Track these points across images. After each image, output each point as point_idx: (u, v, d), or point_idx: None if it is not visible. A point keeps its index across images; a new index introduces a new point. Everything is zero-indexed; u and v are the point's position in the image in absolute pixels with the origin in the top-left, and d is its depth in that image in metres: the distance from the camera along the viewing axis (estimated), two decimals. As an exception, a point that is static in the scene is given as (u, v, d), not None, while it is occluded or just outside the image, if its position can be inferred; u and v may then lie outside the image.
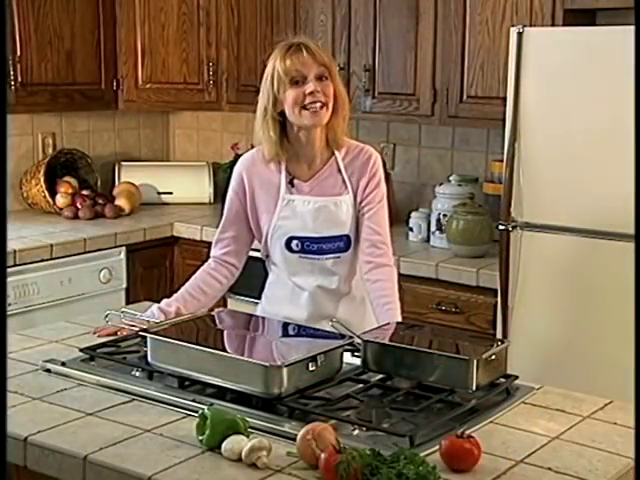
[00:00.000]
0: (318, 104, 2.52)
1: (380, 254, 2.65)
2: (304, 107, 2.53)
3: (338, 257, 2.66)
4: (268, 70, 2.57)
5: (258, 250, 2.77)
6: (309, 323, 2.59)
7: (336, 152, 2.66)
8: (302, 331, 2.44)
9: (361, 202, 2.65)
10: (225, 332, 2.39)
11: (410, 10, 3.90)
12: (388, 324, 2.44)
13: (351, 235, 2.66)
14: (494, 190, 3.86)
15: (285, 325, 2.49)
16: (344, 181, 2.65)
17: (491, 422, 2.07)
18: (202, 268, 2.75)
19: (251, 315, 2.57)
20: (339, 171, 2.65)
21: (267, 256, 2.75)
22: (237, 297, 4.05)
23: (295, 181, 2.65)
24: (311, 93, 2.51)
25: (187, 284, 2.72)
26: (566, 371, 3.20)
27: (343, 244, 2.66)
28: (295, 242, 2.65)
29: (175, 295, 2.69)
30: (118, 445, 1.92)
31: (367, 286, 2.65)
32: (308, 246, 2.64)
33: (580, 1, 3.48)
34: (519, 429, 2.04)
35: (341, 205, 2.64)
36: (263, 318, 2.59)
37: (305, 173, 2.66)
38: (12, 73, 4.03)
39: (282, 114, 2.58)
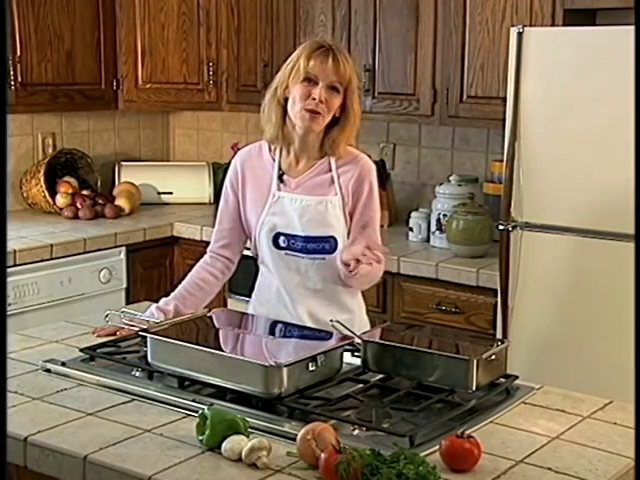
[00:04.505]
0: (315, 113, 2.52)
1: None
2: (303, 107, 2.53)
3: (323, 258, 2.63)
4: (292, 57, 2.58)
5: (255, 249, 2.77)
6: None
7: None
8: (301, 331, 2.44)
9: (353, 214, 2.64)
10: (225, 332, 2.39)
11: (410, 10, 3.90)
12: (389, 324, 2.44)
13: (337, 237, 2.62)
14: (494, 190, 3.86)
15: (284, 325, 2.48)
16: (333, 182, 2.64)
17: (491, 422, 2.07)
18: (198, 264, 2.76)
19: (251, 315, 2.57)
20: (329, 172, 2.65)
21: (257, 254, 2.74)
22: (237, 297, 4.06)
23: (284, 177, 2.65)
24: (314, 99, 2.51)
25: (184, 282, 2.73)
26: (566, 371, 3.20)
27: (329, 246, 2.62)
28: (282, 238, 2.64)
29: (172, 294, 2.69)
30: (118, 445, 1.92)
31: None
32: (294, 244, 2.63)
33: (580, 1, 3.48)
34: (519, 429, 2.04)
35: (328, 206, 2.62)
36: (262, 318, 2.59)
37: (295, 169, 2.66)
38: (12, 73, 4.03)
39: (287, 100, 2.58)
